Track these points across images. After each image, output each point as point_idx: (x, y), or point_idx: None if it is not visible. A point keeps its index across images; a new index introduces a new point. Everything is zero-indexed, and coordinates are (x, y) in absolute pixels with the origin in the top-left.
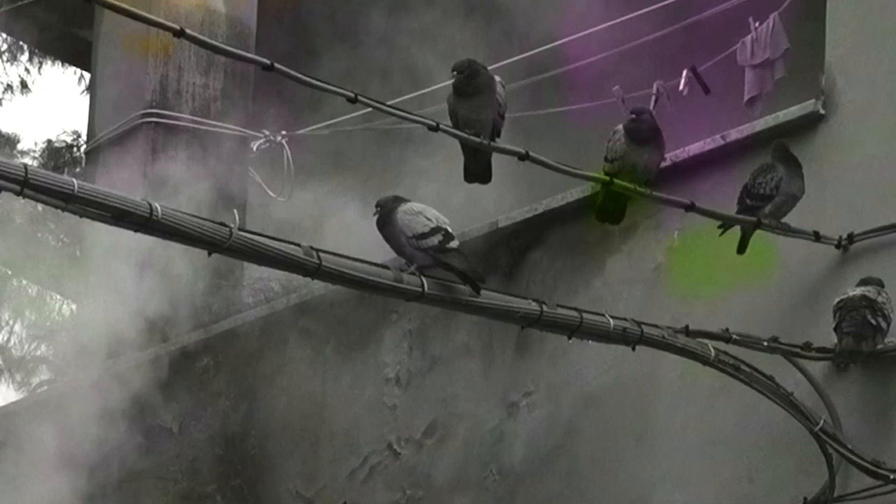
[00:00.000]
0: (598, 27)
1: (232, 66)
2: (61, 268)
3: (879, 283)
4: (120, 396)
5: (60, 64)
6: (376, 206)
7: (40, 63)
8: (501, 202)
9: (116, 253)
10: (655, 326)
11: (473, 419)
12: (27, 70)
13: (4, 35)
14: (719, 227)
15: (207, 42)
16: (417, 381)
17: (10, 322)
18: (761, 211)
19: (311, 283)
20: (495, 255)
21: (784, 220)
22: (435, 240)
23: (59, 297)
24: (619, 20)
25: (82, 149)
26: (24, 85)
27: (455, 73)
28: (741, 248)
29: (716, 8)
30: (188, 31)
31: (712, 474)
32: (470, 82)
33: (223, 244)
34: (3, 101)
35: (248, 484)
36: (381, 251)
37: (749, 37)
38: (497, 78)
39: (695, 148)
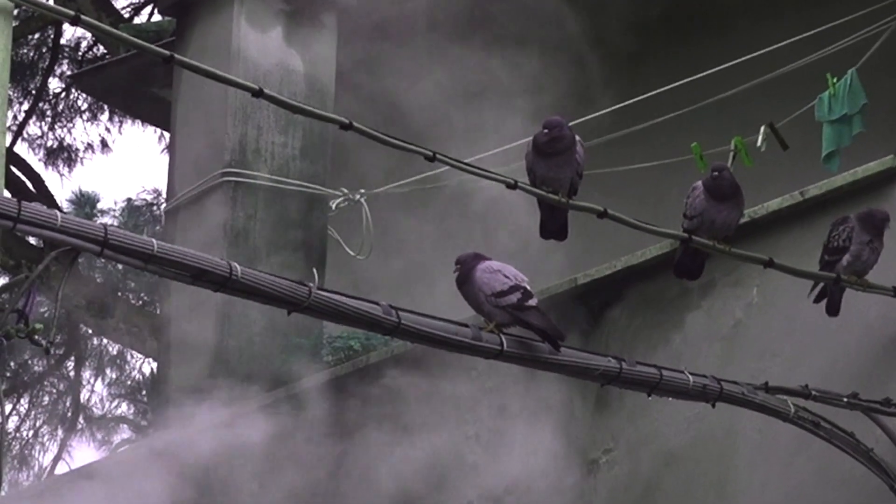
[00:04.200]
0: (676, 83)
1: (311, 124)
2: (142, 326)
3: None
4: (200, 455)
5: (140, 123)
6: (456, 263)
7: (120, 122)
8: (580, 259)
9: (196, 311)
10: (735, 383)
11: (553, 476)
12: (107, 129)
13: (85, 95)
14: (812, 298)
15: (286, 101)
16: (497, 438)
17: (91, 381)
18: (839, 264)
19: (391, 342)
20: (574, 312)
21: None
22: (514, 297)
23: (139, 355)
24: (697, 76)
25: (162, 207)
26: (104, 144)
27: (545, 130)
28: (831, 310)
29: (794, 64)
30: (266, 90)
31: None
32: (553, 144)
33: (302, 303)
34: (84, 161)
35: None
36: (461, 309)
37: (827, 92)
38: (578, 138)
39: (773, 204)
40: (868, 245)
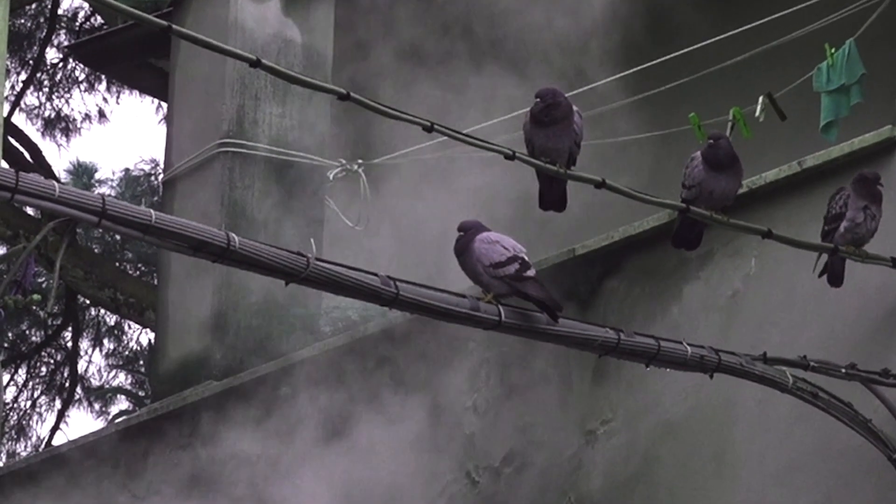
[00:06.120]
0: (673, 54)
1: (308, 94)
2: (139, 296)
3: None
4: (198, 425)
5: (138, 94)
6: (459, 229)
7: (118, 93)
8: (578, 230)
9: (194, 280)
10: (733, 354)
11: (551, 447)
12: (105, 100)
13: (83, 65)
14: (817, 273)
15: (283, 72)
16: (495, 409)
17: (89, 351)
18: (837, 232)
19: (390, 312)
20: (572, 282)
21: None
22: (512, 268)
23: (136, 326)
24: (694, 47)
25: (160, 178)
26: (102, 114)
27: (538, 99)
28: (834, 281)
29: (792, 34)
30: (264, 60)
31: (791, 502)
32: (549, 112)
33: (300, 274)
34: (82, 131)
35: None
36: (458, 280)
37: (825, 62)
38: (575, 108)
39: (771, 174)
40: (864, 210)
